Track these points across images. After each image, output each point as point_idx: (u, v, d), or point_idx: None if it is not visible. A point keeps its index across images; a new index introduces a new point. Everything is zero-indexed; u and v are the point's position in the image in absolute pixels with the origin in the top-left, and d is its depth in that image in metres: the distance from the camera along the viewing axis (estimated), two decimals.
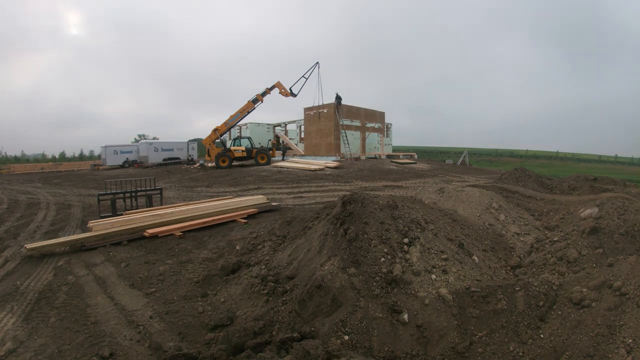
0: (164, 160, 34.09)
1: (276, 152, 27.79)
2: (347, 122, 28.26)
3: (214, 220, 8.03)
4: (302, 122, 30.48)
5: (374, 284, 3.37)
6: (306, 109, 29.26)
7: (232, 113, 25.19)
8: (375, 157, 29.88)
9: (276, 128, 35.38)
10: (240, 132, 34.46)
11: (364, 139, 30.18)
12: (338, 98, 26.99)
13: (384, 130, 33.36)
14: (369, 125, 30.87)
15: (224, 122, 25.17)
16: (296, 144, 33.57)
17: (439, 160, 37.45)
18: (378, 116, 31.85)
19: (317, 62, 26.59)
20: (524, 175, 10.93)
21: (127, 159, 34.57)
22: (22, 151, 56.46)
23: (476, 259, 3.99)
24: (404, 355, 2.95)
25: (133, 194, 9.54)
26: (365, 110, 30.36)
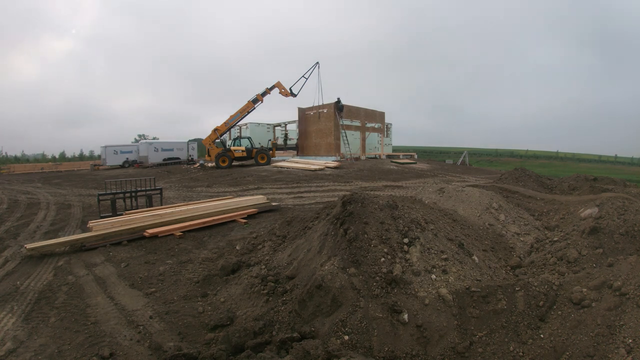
0: (164, 160, 34.10)
1: (286, 150, 27.72)
2: (347, 122, 28.25)
3: (214, 220, 8.03)
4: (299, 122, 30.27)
5: (374, 284, 3.37)
6: (306, 109, 29.23)
7: (232, 113, 25.24)
8: (375, 157, 29.87)
9: (276, 128, 35.39)
10: (240, 132, 34.44)
11: (364, 139, 30.18)
12: (339, 104, 26.87)
13: (384, 130, 33.36)
14: (369, 125, 30.86)
15: (224, 122, 25.17)
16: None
17: (439, 160, 37.45)
18: (378, 116, 31.84)
19: (317, 62, 26.65)
20: (524, 175, 10.93)
21: (127, 159, 34.57)
22: (23, 151, 56.75)
23: (476, 259, 3.99)
24: (404, 355, 2.95)
25: (133, 194, 9.54)
26: (365, 110, 30.36)
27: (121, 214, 8.43)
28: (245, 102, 25.27)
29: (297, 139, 30.80)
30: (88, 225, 7.38)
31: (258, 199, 9.94)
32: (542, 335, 2.87)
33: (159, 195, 10.32)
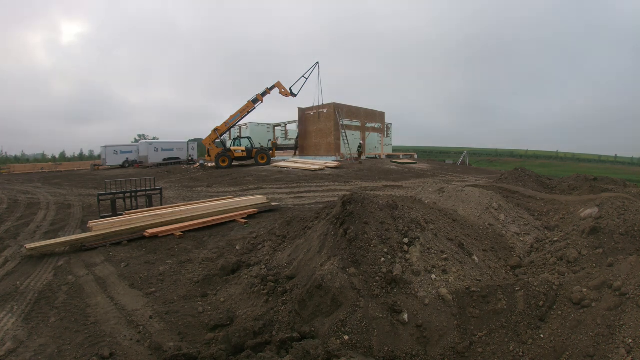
0: (164, 160, 34.11)
1: (285, 150, 27.53)
2: (347, 122, 28.26)
3: (214, 220, 8.03)
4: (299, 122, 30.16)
5: (374, 284, 3.37)
6: (306, 109, 29.23)
7: (232, 113, 25.26)
8: (375, 157, 29.88)
9: (276, 128, 35.41)
10: (240, 132, 34.47)
11: (364, 139, 30.19)
12: (359, 149, 26.14)
13: (384, 130, 33.39)
14: (369, 125, 30.87)
15: (224, 122, 25.19)
16: None
17: (439, 160, 37.46)
18: (378, 116, 31.86)
19: (317, 62, 26.69)
20: (524, 175, 10.93)
21: (127, 159, 34.60)
22: (22, 151, 57.00)
23: (476, 259, 3.99)
24: (404, 355, 2.95)
25: (133, 194, 9.54)
26: (365, 110, 30.37)
27: (121, 214, 8.43)
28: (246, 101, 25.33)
29: (295, 139, 30.65)
30: (88, 225, 7.38)
31: (258, 199, 9.94)
32: (542, 335, 2.88)
33: (159, 195, 10.32)
